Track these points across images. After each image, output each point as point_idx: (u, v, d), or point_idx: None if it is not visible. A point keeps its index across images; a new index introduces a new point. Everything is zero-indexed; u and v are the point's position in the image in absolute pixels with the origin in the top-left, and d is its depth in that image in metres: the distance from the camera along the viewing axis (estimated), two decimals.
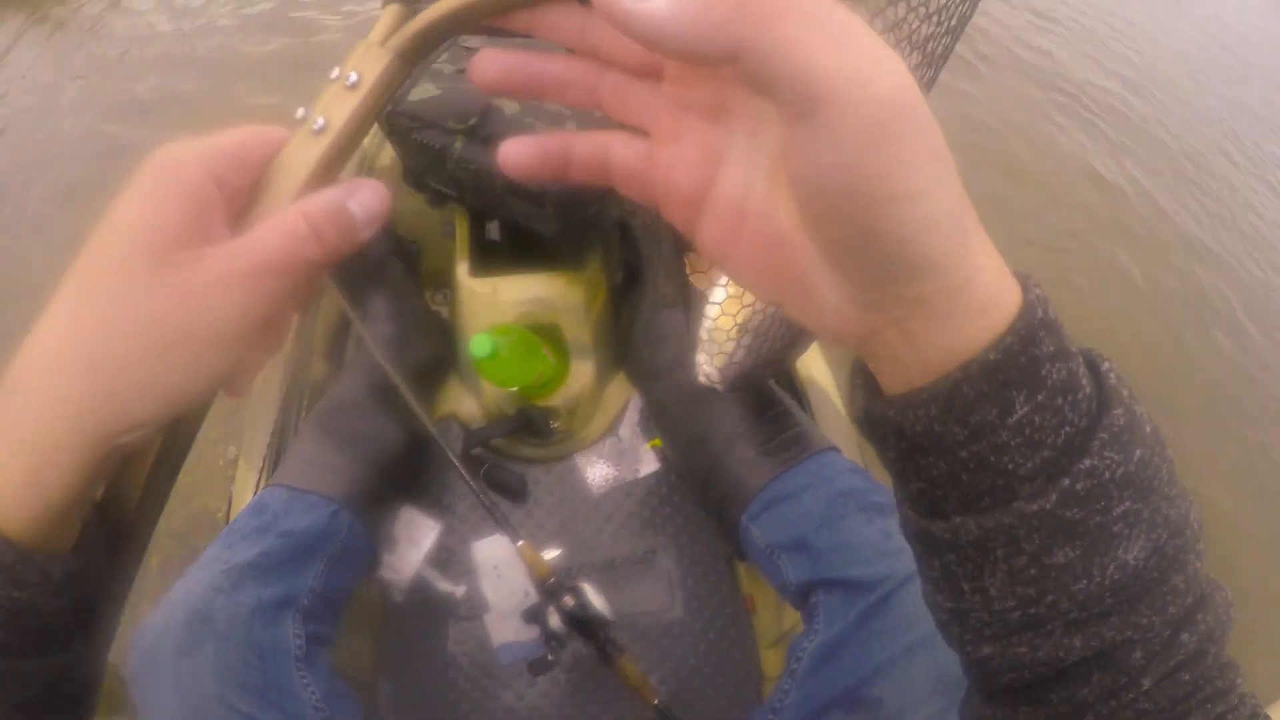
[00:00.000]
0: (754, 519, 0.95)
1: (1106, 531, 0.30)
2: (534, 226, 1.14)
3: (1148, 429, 0.31)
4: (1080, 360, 0.30)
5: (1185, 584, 0.31)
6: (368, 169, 1.30)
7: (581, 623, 0.90)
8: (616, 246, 1.22)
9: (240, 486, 1.12)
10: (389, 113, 1.13)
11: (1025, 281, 0.30)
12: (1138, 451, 0.30)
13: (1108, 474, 0.29)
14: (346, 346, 1.24)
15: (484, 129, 1.08)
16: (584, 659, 1.04)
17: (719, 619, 1.12)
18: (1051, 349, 0.29)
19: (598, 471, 1.19)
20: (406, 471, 1.09)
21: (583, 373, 1.16)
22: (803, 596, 0.89)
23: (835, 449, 0.98)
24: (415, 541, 1.14)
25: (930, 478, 0.31)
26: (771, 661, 1.12)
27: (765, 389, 1.04)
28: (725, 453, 1.00)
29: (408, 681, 1.07)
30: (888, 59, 0.25)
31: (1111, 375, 0.31)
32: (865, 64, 0.24)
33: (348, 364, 1.18)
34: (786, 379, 1.15)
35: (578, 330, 1.14)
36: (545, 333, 1.12)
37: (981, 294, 0.28)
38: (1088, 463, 0.29)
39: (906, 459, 0.32)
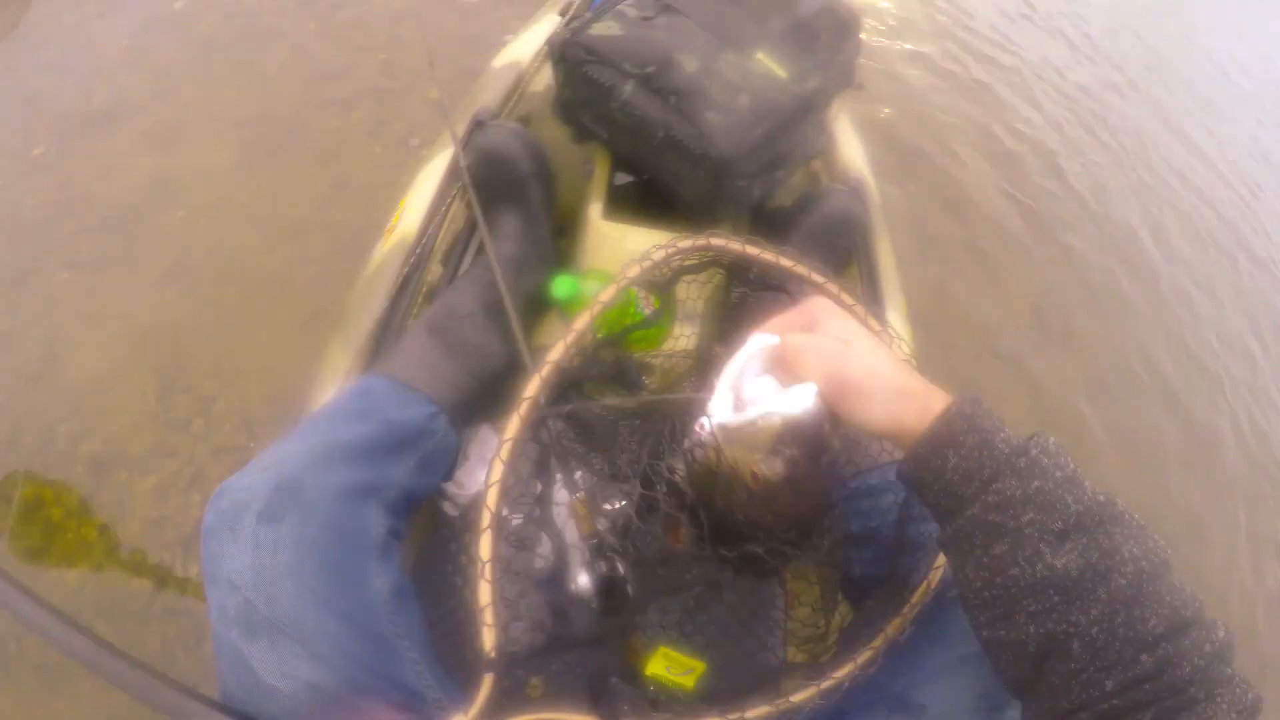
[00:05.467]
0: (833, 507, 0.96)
1: (1022, 534, 0.51)
2: (676, 185, 1.14)
3: (1057, 474, 0.52)
4: (1000, 434, 0.55)
5: (1150, 615, 0.48)
6: (520, 93, 1.30)
7: (606, 591, 0.89)
8: (748, 223, 1.22)
9: (330, 366, 1.12)
10: (565, 40, 1.14)
11: (957, 398, 0.58)
12: (1036, 483, 0.52)
13: (1009, 493, 0.52)
14: (466, 255, 1.24)
15: (659, 79, 1.08)
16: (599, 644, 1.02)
17: (752, 604, 1.13)
18: (965, 427, 0.56)
19: None
20: (500, 391, 1.10)
21: (685, 336, 1.16)
22: (862, 592, 0.90)
23: None
24: (486, 460, 1.14)
25: (931, 505, 0.59)
26: (795, 660, 1.12)
27: None
28: None
29: (440, 590, 1.08)
30: (852, 358, 0.61)
31: (1033, 446, 0.54)
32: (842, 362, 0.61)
33: (464, 273, 1.19)
34: None
35: (692, 294, 1.14)
36: (659, 288, 1.12)
37: (917, 425, 0.58)
38: (997, 486, 0.53)
39: (919, 495, 0.61)
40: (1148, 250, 3.08)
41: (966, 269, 2.58)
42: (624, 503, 0.89)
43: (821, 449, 0.64)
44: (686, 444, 0.72)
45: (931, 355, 2.14)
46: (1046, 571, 0.50)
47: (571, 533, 0.98)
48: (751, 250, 0.82)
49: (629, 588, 0.88)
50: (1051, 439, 0.54)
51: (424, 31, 1.32)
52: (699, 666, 0.90)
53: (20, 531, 1.49)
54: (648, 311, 1.11)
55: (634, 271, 0.78)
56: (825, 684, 0.70)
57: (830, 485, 0.71)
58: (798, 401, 0.60)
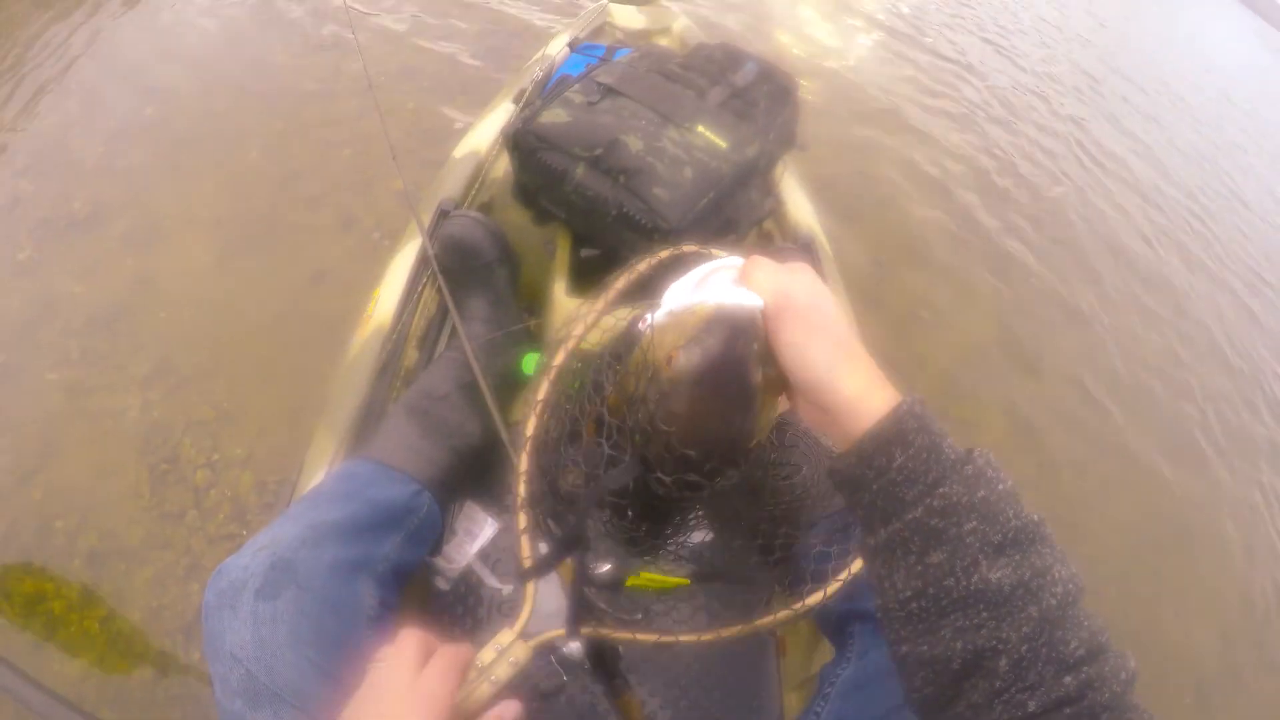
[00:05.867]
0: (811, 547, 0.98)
1: (962, 542, 0.49)
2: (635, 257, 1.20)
3: (999, 487, 0.51)
4: (947, 440, 0.52)
5: (1071, 638, 0.48)
6: (481, 180, 1.37)
7: (598, 654, 0.90)
8: None
9: (316, 452, 1.16)
10: (517, 130, 1.21)
11: (908, 396, 0.54)
12: (981, 492, 0.50)
13: (955, 499, 0.50)
14: (440, 339, 1.29)
15: (607, 160, 1.15)
16: (589, 691, 1.05)
17: (746, 657, 1.15)
18: (916, 426, 0.52)
19: None
20: (480, 467, 1.14)
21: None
22: (841, 626, 0.92)
23: None
24: (472, 535, 1.19)
25: (864, 506, 0.54)
26: (792, 705, 1.14)
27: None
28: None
29: None
30: (805, 286, 0.58)
31: (977, 455, 0.52)
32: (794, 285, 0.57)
33: (439, 356, 1.24)
34: None
35: None
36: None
37: (862, 405, 0.54)
38: (942, 490, 0.50)
39: (850, 495, 0.56)
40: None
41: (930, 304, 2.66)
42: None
43: (743, 364, 0.57)
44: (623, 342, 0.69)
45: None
46: (981, 584, 0.48)
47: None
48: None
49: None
50: (990, 452, 0.53)
51: (385, 126, 1.39)
52: (683, 581, 0.92)
53: (23, 624, 1.52)
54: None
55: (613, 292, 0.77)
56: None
57: (751, 433, 0.61)
58: (736, 296, 0.57)
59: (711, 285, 0.60)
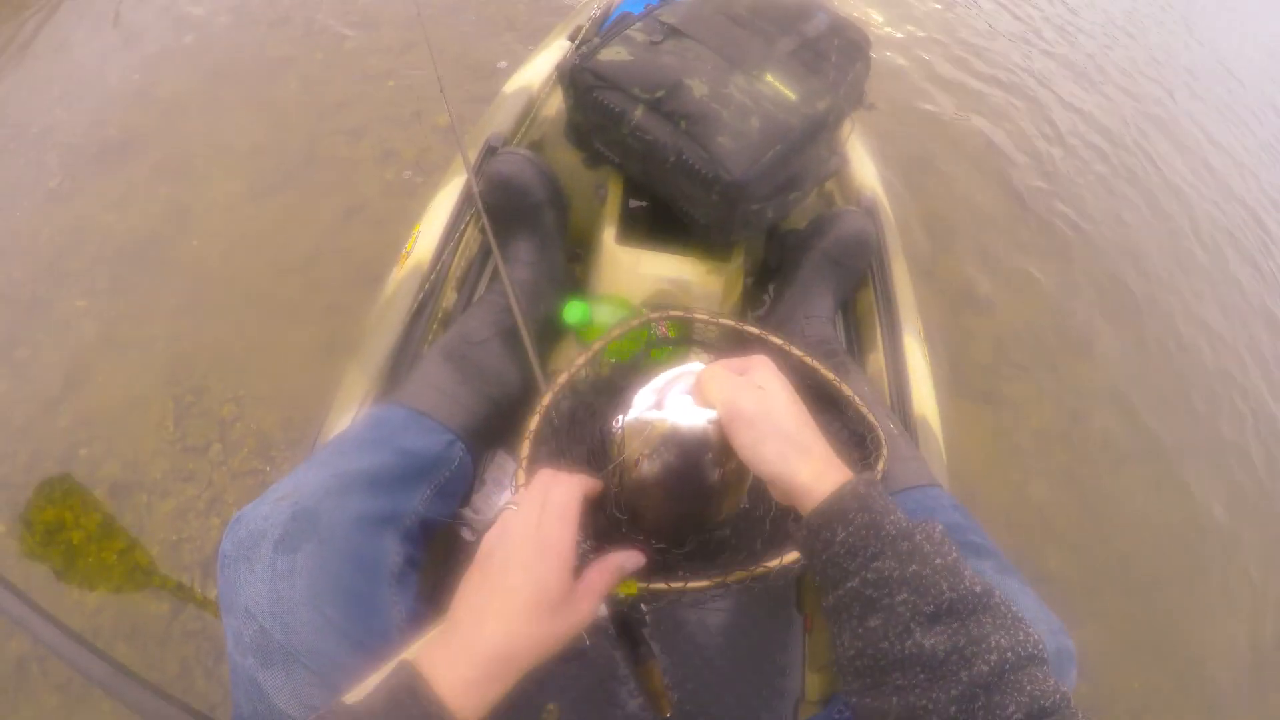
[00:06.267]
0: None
1: (894, 611, 0.54)
2: (689, 209, 1.14)
3: (937, 561, 0.55)
4: (890, 517, 0.57)
5: (1009, 703, 0.50)
6: (532, 118, 1.31)
7: (623, 620, 0.88)
8: (761, 247, 1.22)
9: (346, 394, 1.13)
10: (574, 66, 1.14)
11: (854, 478, 0.61)
12: (913, 566, 0.55)
13: (887, 573, 0.55)
14: (480, 281, 1.24)
15: (669, 103, 1.09)
16: (610, 657, 1.02)
17: (767, 629, 1.11)
18: (857, 505, 0.58)
19: None
20: (517, 417, 1.10)
21: (700, 361, 1.16)
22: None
23: (939, 485, 0.97)
24: (502, 486, 1.14)
25: (819, 573, 0.61)
26: (815, 685, 1.11)
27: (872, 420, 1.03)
28: None
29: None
30: (753, 396, 0.65)
31: (917, 532, 0.57)
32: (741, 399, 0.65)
33: (479, 299, 1.19)
34: (902, 413, 1.15)
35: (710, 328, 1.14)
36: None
37: (815, 488, 0.60)
38: (877, 564, 0.56)
39: (809, 563, 0.62)
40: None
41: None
42: None
43: (698, 470, 0.68)
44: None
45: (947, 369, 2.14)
46: (915, 649, 0.53)
47: None
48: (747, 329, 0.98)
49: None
50: (939, 527, 0.58)
51: (432, 57, 1.33)
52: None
53: (42, 554, 1.51)
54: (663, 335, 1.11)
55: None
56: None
57: (716, 514, 0.77)
58: (691, 417, 0.67)
59: (670, 398, 0.70)
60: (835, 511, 0.59)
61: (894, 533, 0.57)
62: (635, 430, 0.70)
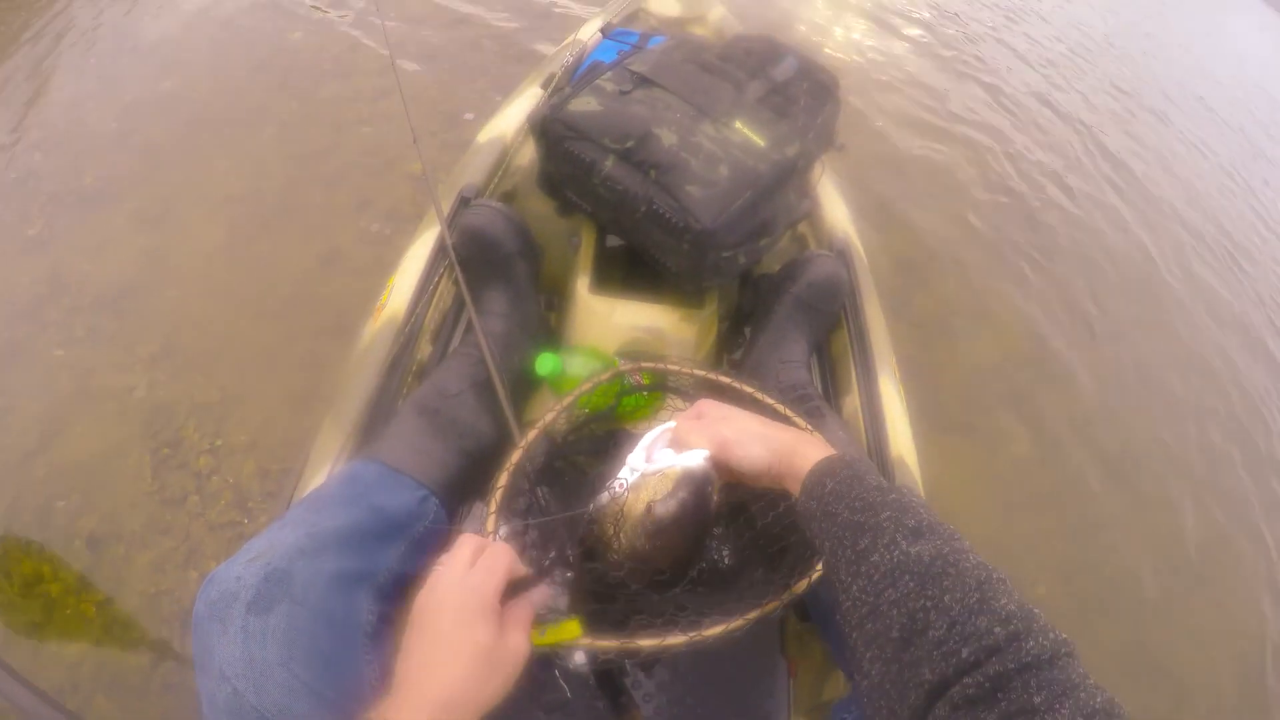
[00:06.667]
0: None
1: (881, 528, 0.61)
2: (661, 257, 1.15)
3: (912, 499, 0.64)
4: (872, 475, 0.69)
5: (1001, 596, 0.53)
6: (505, 168, 1.31)
7: (604, 671, 0.88)
8: (735, 292, 1.22)
9: (321, 448, 1.11)
10: (545, 116, 1.15)
11: (831, 456, 0.73)
12: (892, 495, 0.65)
13: (870, 500, 0.64)
14: (455, 333, 1.24)
15: (639, 153, 1.09)
16: (593, 708, 1.00)
17: (752, 674, 1.11)
18: (842, 464, 0.70)
19: None
20: (493, 468, 1.09)
21: (679, 410, 1.16)
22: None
23: None
24: None
25: (816, 533, 0.69)
26: None
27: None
28: None
29: None
30: (724, 424, 0.82)
31: (898, 489, 0.66)
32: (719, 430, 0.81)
33: (453, 351, 1.19)
34: (879, 456, 1.15)
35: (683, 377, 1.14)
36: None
37: (799, 460, 0.75)
38: (861, 495, 0.65)
39: (806, 526, 0.71)
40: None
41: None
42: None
43: (705, 502, 0.78)
44: (595, 503, 0.84)
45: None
46: (902, 557, 0.58)
47: None
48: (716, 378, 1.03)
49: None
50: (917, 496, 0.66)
51: (405, 107, 1.34)
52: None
53: (20, 605, 1.49)
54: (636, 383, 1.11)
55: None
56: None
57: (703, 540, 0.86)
58: (692, 459, 0.79)
59: (660, 453, 0.82)
60: (824, 469, 0.71)
61: (874, 483, 0.68)
62: (648, 481, 0.80)
